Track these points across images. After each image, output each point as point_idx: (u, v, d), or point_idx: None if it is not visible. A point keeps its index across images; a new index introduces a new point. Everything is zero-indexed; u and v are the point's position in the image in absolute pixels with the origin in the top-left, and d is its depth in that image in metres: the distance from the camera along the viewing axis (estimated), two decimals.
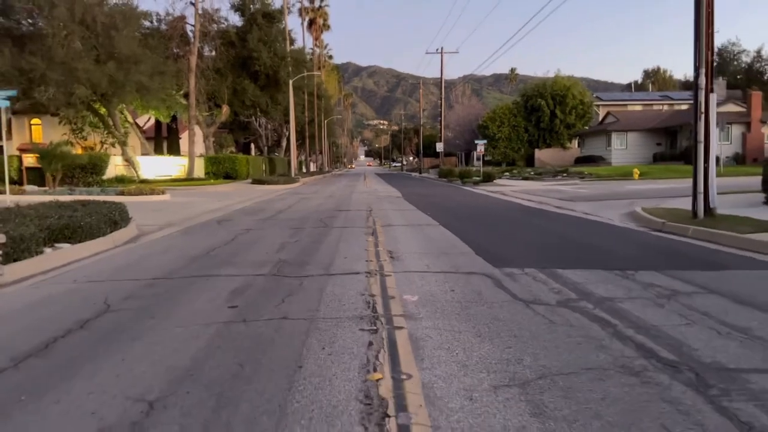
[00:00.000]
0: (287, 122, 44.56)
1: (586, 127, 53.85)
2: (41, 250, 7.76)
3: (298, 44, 61.42)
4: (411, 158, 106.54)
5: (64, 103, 27.82)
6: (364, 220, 12.90)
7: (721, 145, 29.09)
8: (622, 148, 46.16)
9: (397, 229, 11.14)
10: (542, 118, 53.04)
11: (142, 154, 36.65)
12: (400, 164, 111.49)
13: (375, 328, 4.48)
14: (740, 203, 13.43)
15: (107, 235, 9.52)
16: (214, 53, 41.26)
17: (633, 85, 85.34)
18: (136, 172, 32.80)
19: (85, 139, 34.09)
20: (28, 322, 4.92)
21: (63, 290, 6.09)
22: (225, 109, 41.02)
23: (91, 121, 33.30)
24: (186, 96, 36.58)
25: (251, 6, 45.77)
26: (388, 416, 2.92)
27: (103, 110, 32.02)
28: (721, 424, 2.83)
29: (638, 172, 30.79)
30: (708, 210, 10.78)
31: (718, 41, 59.56)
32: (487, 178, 31.47)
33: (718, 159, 21.64)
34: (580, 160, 48.51)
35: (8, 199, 13.81)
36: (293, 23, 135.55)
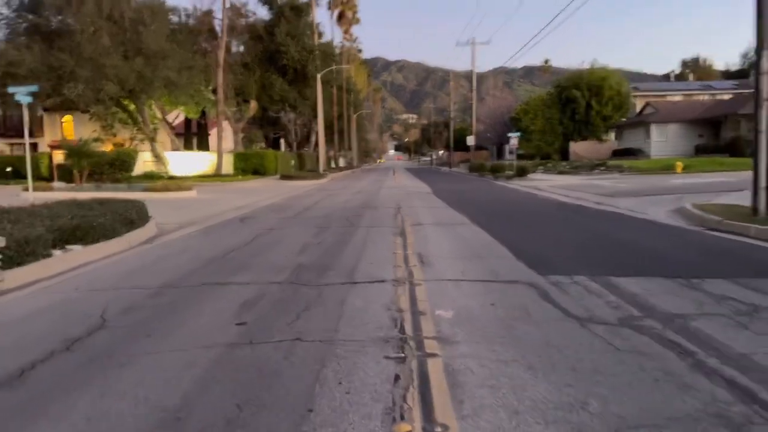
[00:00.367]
0: (316, 117, 44.07)
1: (624, 119, 51.75)
2: (49, 253, 7.30)
3: (327, 38, 60.93)
4: (441, 152, 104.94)
5: (93, 100, 27.86)
6: (392, 219, 12.19)
7: None
8: (662, 140, 44.16)
9: (428, 229, 10.40)
10: (577, 110, 51.10)
11: (172, 150, 36.67)
12: (429, 159, 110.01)
13: (403, 355, 3.76)
14: None
15: (122, 236, 9.06)
16: (241, 48, 41.02)
17: (672, 76, 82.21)
18: (165, 168, 32.77)
19: (115, 136, 34.17)
20: (12, 340, 4.37)
21: (60, 300, 5.56)
22: (253, 104, 40.77)
23: (121, 117, 33.37)
24: (214, 91, 36.40)
25: None
26: None
27: (132, 106, 32.02)
28: None
29: (681, 165, 29.19)
30: None
31: None
32: (521, 173, 30.31)
33: None
34: (618, 153, 46.65)
35: (32, 197, 13.56)
36: (321, 16, 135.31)
